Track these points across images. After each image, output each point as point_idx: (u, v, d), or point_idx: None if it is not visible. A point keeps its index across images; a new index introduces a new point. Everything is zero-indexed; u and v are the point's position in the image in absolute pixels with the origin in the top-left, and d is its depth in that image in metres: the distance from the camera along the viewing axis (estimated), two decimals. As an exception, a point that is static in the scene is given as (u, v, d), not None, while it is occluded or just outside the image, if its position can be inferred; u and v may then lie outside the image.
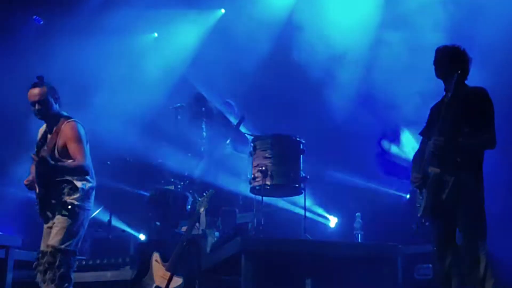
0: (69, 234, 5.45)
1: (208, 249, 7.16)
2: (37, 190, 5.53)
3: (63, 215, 5.44)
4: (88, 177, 5.62)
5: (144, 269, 6.80)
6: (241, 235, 5.92)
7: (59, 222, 5.45)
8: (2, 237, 6.49)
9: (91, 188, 5.62)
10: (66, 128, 5.56)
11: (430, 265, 5.83)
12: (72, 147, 5.54)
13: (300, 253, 5.78)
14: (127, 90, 10.14)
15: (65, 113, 5.70)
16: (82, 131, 5.62)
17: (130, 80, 10.34)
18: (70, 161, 5.52)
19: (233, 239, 6.13)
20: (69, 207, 5.45)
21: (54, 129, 5.58)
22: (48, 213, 5.51)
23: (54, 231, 5.45)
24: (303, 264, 6.42)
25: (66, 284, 5.46)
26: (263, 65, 9.58)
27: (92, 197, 5.66)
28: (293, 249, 5.72)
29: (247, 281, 5.44)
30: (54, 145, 5.56)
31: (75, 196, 5.50)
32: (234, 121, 8.35)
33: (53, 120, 5.66)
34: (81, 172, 5.55)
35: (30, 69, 9.71)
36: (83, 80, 9.73)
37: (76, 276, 5.61)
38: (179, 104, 9.19)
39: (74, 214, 5.48)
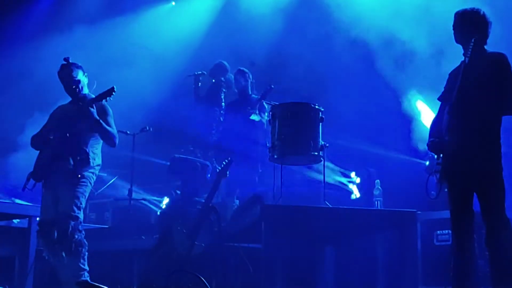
0: (78, 201, 5.66)
1: (228, 217, 7.21)
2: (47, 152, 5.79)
3: (72, 183, 5.62)
4: (99, 154, 5.94)
5: (165, 237, 6.87)
6: (261, 203, 5.95)
7: (68, 190, 5.66)
8: (24, 207, 6.59)
9: (98, 165, 5.92)
10: (97, 107, 5.75)
11: (450, 231, 5.82)
12: (106, 122, 5.81)
13: (320, 220, 5.80)
14: (147, 59, 10.19)
15: (92, 95, 5.91)
16: (112, 112, 5.91)
17: (149, 48, 10.37)
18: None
19: (253, 207, 6.17)
20: (79, 176, 5.67)
21: (82, 107, 5.72)
22: (57, 178, 5.66)
23: (64, 199, 5.64)
24: (323, 232, 6.45)
25: (83, 249, 5.63)
26: (280, 33, 9.54)
27: (97, 172, 5.95)
28: (313, 216, 5.74)
29: (267, 248, 5.48)
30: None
31: (85, 168, 5.75)
32: (250, 90, 8.34)
33: (82, 98, 5.82)
34: (111, 139, 5.83)
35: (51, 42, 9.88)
36: (101, 53, 9.79)
37: (97, 245, 5.73)
38: (200, 72, 9.20)
39: (82, 183, 5.72)
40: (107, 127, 5.78)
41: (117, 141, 5.89)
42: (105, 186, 8.78)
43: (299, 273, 6.46)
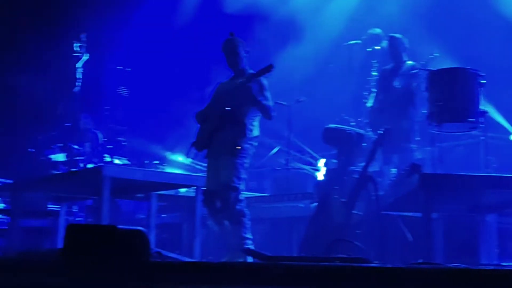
0: (238, 172, 5.86)
1: (385, 186, 7.19)
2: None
3: (232, 155, 5.83)
4: (257, 126, 6.13)
5: (323, 207, 6.97)
6: (419, 172, 5.87)
7: (228, 162, 5.91)
8: (192, 177, 6.97)
9: (256, 136, 6.13)
10: (255, 83, 5.94)
11: None
12: (264, 96, 6.03)
13: (482, 188, 5.63)
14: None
15: (251, 70, 6.08)
16: (268, 85, 6.09)
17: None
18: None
19: (410, 176, 6.10)
20: (238, 147, 5.87)
21: (242, 83, 5.95)
22: (218, 149, 5.90)
23: (224, 170, 5.87)
24: (485, 200, 6.27)
25: (245, 219, 5.86)
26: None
27: (255, 143, 6.15)
28: (475, 184, 5.58)
29: (427, 218, 5.42)
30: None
31: (243, 139, 5.96)
32: (405, 57, 8.17)
33: (241, 73, 6.06)
34: (267, 113, 6.05)
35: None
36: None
37: (258, 213, 5.93)
38: (353, 42, 9.14)
39: (241, 155, 5.93)
40: (265, 101, 5.94)
41: (274, 114, 6.05)
42: (267, 156, 9.04)
43: (461, 242, 6.34)
